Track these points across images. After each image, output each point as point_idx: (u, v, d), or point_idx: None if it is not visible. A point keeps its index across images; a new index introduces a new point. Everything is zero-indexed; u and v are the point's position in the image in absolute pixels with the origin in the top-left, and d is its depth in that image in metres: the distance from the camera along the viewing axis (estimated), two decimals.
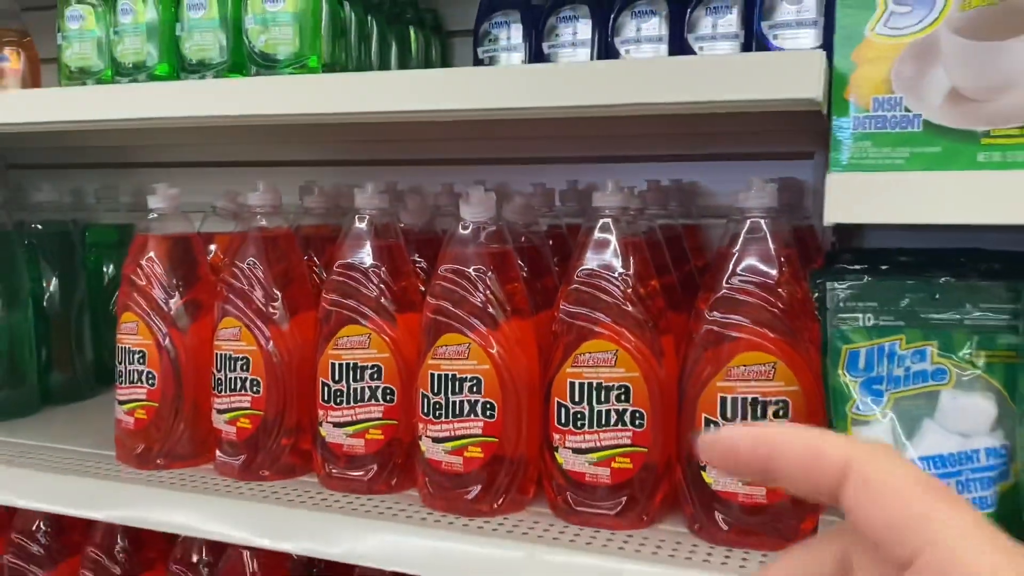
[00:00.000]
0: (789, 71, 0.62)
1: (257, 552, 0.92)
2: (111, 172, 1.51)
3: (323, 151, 1.39)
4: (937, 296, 0.67)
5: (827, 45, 0.70)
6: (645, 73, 0.66)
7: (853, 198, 0.64)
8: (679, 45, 0.96)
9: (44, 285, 1.24)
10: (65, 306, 1.26)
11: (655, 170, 1.14)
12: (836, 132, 0.69)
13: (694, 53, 0.95)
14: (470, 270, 0.81)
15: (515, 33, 1.03)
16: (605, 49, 0.99)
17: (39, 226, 1.25)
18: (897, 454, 0.29)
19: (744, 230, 0.75)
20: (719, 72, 0.65)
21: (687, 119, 1.04)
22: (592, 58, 1.00)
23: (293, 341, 0.91)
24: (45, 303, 1.23)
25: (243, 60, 0.89)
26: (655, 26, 0.98)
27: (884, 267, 0.76)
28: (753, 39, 0.91)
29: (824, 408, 0.70)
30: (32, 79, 1.15)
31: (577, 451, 0.79)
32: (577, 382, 0.78)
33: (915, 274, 0.70)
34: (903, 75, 0.67)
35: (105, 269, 1.37)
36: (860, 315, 0.67)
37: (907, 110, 0.67)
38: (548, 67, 0.82)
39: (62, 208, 1.34)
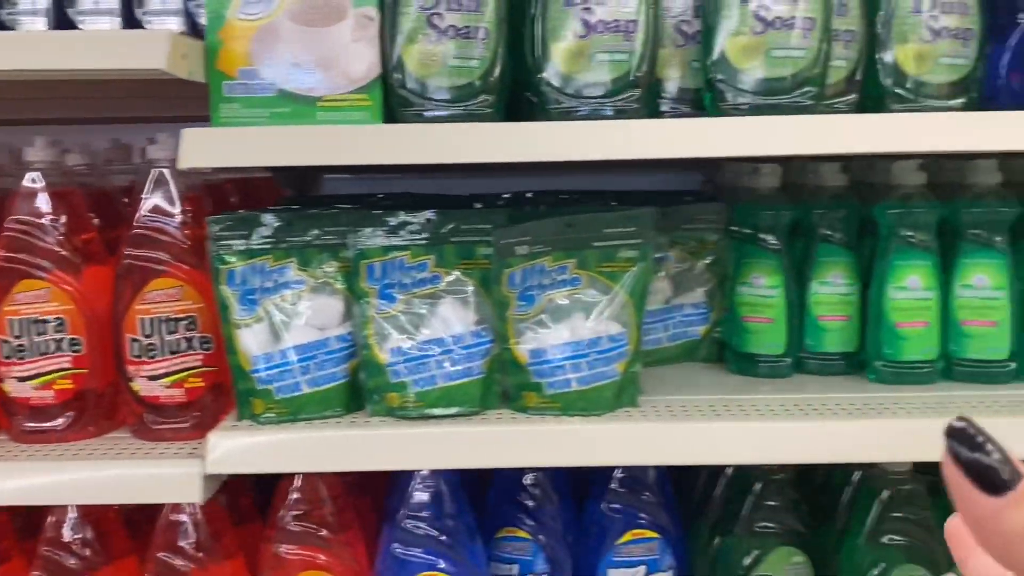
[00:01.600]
0: (141, 46, 0.77)
1: None
2: None
3: None
4: (292, 224, 0.87)
5: None
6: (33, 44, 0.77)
7: (207, 147, 0.81)
8: (129, 18, 1.07)
9: None
10: None
11: (124, 132, 1.24)
12: (213, 97, 0.86)
13: (143, 27, 1.06)
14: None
15: None
16: (63, 18, 1.07)
17: None
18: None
19: (152, 178, 0.89)
20: (94, 45, 0.79)
21: (140, 86, 1.15)
22: (49, 27, 1.07)
23: None
24: None
25: None
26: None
27: (295, 207, 0.96)
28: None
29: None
30: None
31: (21, 379, 0.89)
32: (16, 319, 0.88)
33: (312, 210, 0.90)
34: (258, 51, 0.86)
35: None
36: (234, 242, 0.85)
37: (263, 79, 0.86)
38: None
39: None
